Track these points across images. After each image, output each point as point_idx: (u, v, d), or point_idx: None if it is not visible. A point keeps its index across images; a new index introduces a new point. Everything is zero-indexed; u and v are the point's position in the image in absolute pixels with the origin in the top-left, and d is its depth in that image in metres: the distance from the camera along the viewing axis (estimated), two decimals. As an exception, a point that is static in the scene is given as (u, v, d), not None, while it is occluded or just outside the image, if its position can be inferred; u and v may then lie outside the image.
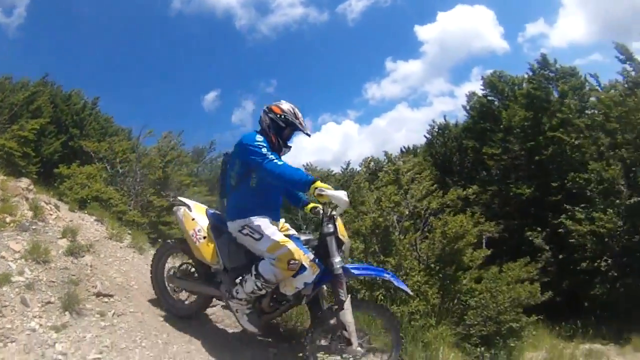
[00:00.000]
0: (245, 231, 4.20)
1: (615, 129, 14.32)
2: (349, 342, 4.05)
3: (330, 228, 4.13)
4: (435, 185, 11.00)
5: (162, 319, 4.78)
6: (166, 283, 4.96)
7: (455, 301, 8.28)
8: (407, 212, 8.87)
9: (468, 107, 22.69)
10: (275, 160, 4.06)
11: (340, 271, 4.08)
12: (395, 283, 4.52)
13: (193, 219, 4.55)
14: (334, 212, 4.15)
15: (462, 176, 20.87)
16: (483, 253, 9.20)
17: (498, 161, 19.15)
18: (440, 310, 7.64)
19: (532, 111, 18.03)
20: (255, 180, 4.26)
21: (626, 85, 15.22)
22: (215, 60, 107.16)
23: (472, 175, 20.55)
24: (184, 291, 4.94)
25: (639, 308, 13.03)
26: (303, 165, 30.01)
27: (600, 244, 13.78)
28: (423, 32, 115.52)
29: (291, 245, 4.04)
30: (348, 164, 28.16)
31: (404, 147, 30.19)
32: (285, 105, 4.45)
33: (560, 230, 14.78)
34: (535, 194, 17.71)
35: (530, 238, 16.42)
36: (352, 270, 4.27)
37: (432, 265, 8.12)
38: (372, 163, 16.41)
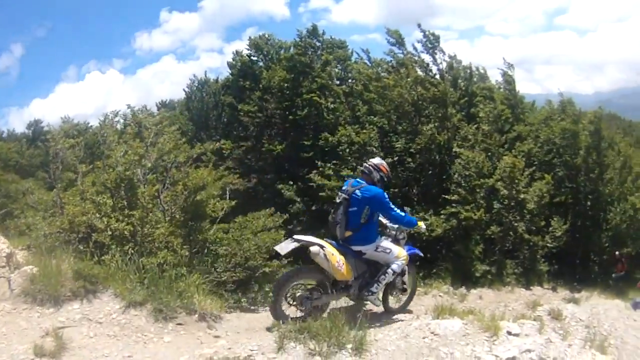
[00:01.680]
0: (379, 249, 5.96)
1: (372, 98, 15.49)
2: (404, 290, 6.69)
3: (403, 235, 6.45)
4: (183, 139, 11.21)
5: None
6: (284, 301, 5.86)
7: (206, 251, 8.58)
8: (149, 165, 8.80)
9: (232, 65, 22.00)
10: (397, 211, 5.99)
11: None
12: (419, 254, 6.89)
13: (333, 254, 5.66)
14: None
15: (218, 131, 20.31)
16: (225, 204, 9.64)
17: (254, 118, 19.12)
18: (190, 260, 7.91)
19: (293, 74, 18.37)
20: (376, 217, 6.01)
21: (391, 64, 16.81)
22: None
23: (229, 130, 20.10)
24: (293, 307, 5.88)
25: None
26: (61, 118, 27.15)
27: (349, 197, 14.75)
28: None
29: (403, 249, 6.19)
30: (106, 117, 25.31)
31: (162, 100, 28.67)
32: (385, 164, 6.21)
33: (311, 184, 15.28)
34: (288, 151, 18.17)
35: (282, 191, 16.79)
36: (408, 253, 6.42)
37: (177, 217, 8.31)
38: (121, 116, 15.62)
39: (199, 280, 7.03)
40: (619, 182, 17.30)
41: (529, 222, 14.59)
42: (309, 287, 6.07)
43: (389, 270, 6.04)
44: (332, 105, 15.86)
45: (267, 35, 21.44)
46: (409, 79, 14.98)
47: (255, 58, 20.80)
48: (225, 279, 8.18)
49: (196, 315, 6.42)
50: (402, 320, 8.44)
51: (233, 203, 10.22)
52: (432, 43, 16.13)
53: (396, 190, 14.47)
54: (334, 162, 15.39)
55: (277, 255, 9.15)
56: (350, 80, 17.82)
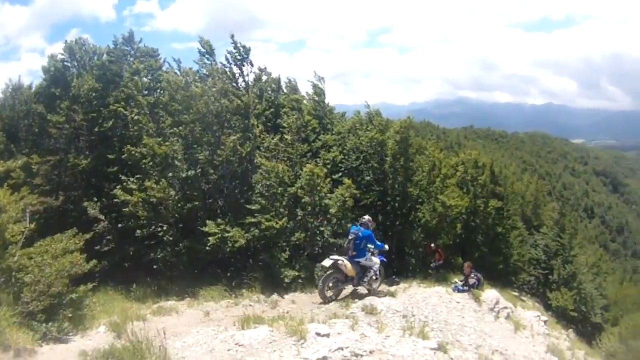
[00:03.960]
0: (367, 260, 11.66)
1: (177, 109, 14.95)
2: (377, 279, 12.16)
3: (377, 252, 12.16)
4: None
5: None
6: (326, 289, 11.54)
7: (13, 280, 8.15)
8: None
9: (46, 70, 19.62)
10: (377, 242, 11.98)
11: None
12: (384, 259, 12.66)
13: (347, 264, 11.39)
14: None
15: (28, 143, 18.47)
16: (24, 228, 9.17)
17: (61, 130, 17.70)
18: None
19: (102, 83, 17.37)
20: (367, 245, 11.66)
21: (199, 75, 16.51)
22: None
23: (39, 143, 18.40)
24: (329, 291, 11.63)
25: (200, 266, 14.64)
26: None
27: (152, 211, 14.24)
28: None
29: (377, 259, 12.09)
30: None
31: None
32: (370, 218, 12.31)
33: (116, 200, 14.58)
34: (94, 165, 17.14)
35: (87, 209, 15.78)
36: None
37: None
38: None
39: (8, 313, 6.97)
40: (428, 183, 18.17)
41: (336, 225, 14.98)
42: (333, 279, 11.63)
43: (371, 270, 11.81)
44: (136, 117, 15.08)
45: (82, 39, 19.74)
46: (214, 89, 14.73)
47: (68, 63, 19.11)
48: (32, 309, 7.82)
49: (12, 352, 6.38)
50: (208, 335, 8.33)
51: (33, 225, 9.91)
52: (241, 55, 15.98)
53: (197, 203, 14.27)
54: (138, 175, 14.78)
55: (82, 280, 9.47)
56: (158, 91, 17.14)
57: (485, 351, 9.96)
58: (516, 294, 21.17)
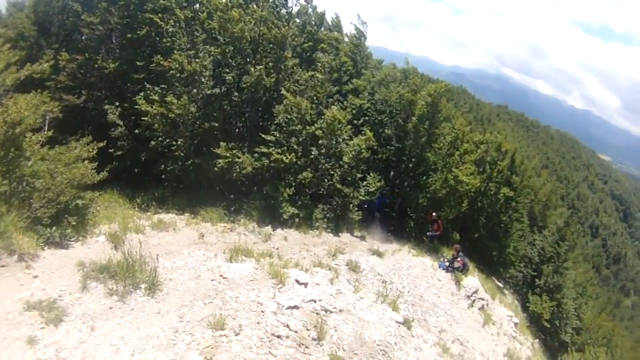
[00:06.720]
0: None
1: (213, 28, 14.95)
2: None
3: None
4: (16, 58, 11.33)
5: None
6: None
7: (24, 184, 8.26)
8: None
9: None
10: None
11: None
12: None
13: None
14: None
15: (59, 39, 18.63)
16: (42, 137, 9.25)
17: (94, 30, 17.67)
18: (8, 197, 7.77)
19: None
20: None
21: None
22: None
23: (69, 40, 18.40)
24: None
25: (206, 184, 14.83)
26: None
27: (170, 126, 14.38)
28: None
29: None
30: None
31: (14, -3, 25.61)
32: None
33: (137, 106, 14.68)
34: (121, 69, 17.19)
35: (107, 112, 15.99)
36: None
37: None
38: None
39: (16, 218, 7.30)
40: (447, 153, 18.07)
41: (346, 172, 15.09)
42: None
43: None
44: (171, 29, 15.12)
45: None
46: (255, 16, 14.66)
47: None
48: (40, 215, 8.07)
49: (16, 256, 6.81)
50: (198, 259, 8.66)
51: (51, 133, 10.19)
52: (289, -14, 15.77)
53: (215, 124, 14.43)
54: (163, 86, 14.92)
55: (90, 187, 9.68)
56: (197, 5, 17.02)
57: (446, 337, 10.11)
58: (500, 285, 21.28)
